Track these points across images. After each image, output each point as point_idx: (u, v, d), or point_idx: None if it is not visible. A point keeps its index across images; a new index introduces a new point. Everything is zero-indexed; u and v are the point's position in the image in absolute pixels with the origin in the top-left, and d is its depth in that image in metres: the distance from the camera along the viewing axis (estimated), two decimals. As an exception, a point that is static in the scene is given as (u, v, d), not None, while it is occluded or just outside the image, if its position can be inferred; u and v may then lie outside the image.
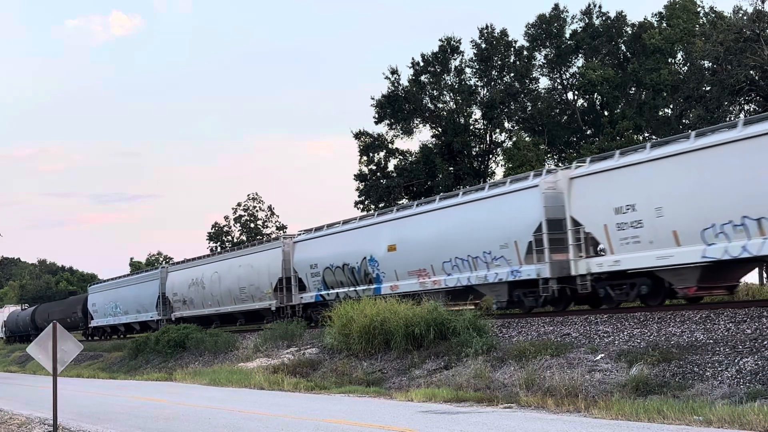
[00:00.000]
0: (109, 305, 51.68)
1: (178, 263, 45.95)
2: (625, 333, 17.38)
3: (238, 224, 72.46)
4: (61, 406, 15.12)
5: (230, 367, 27.08)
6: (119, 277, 54.45)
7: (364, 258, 28.07)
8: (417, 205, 27.38)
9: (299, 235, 33.46)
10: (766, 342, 14.45)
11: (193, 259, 44.15)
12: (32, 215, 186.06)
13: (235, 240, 71.33)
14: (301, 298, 32.18)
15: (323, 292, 30.61)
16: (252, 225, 72.29)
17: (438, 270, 24.80)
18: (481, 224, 23.25)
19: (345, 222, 31.00)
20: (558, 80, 51.85)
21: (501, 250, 22.38)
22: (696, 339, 15.73)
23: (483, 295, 23.89)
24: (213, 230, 72.67)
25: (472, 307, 23.91)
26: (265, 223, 72.70)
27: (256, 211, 72.84)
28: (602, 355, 16.63)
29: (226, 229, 72.51)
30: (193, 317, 40.41)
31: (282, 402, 17.46)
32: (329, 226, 31.87)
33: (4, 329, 77.73)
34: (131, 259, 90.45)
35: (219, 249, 68.25)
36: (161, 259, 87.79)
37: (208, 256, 40.73)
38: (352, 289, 28.60)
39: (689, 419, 11.45)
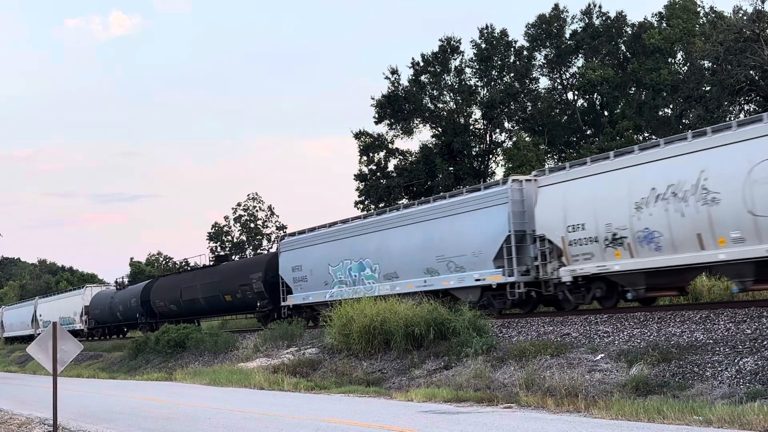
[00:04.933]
0: (337, 267, 29.23)
1: (570, 166, 21.42)
2: (625, 333, 17.38)
3: (238, 224, 72.49)
4: (61, 406, 15.11)
5: (230, 367, 27.08)
6: (356, 218, 30.33)
7: None
8: None
9: None
10: (766, 342, 14.45)
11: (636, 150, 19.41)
12: (32, 215, 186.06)
13: (235, 240, 71.37)
14: None
15: None
16: (252, 225, 72.31)
17: None
18: None
19: None
20: (558, 80, 51.87)
21: None
22: (696, 339, 15.73)
23: None
24: (213, 230, 72.69)
25: None
26: (265, 223, 72.77)
27: (256, 211, 72.86)
28: (602, 355, 16.63)
29: (226, 229, 72.54)
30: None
31: (282, 402, 17.46)
32: None
33: (85, 317, 54.38)
34: (131, 259, 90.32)
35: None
36: (161, 258, 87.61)
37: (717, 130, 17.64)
38: None
39: (689, 419, 11.45)
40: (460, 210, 24.10)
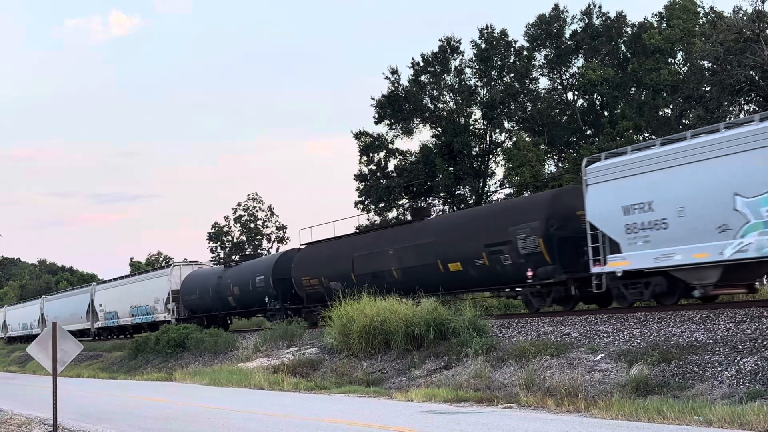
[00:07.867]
0: (762, 198, 15.88)
1: None
2: (625, 333, 17.38)
3: (238, 224, 72.52)
4: (61, 406, 15.11)
5: (230, 367, 27.08)
6: None
7: None
8: None
9: None
10: (766, 342, 14.46)
11: None
12: (32, 215, 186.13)
13: (235, 240, 71.32)
14: None
15: None
16: (252, 225, 72.34)
17: None
18: None
19: None
20: (558, 80, 51.85)
21: None
22: (696, 339, 15.73)
23: None
24: (213, 230, 72.73)
25: None
26: (265, 223, 72.79)
27: (256, 211, 72.92)
28: (602, 355, 16.63)
29: (226, 229, 72.57)
30: None
31: (282, 402, 17.46)
32: None
33: (172, 304, 41.77)
34: (131, 259, 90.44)
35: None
36: (161, 259, 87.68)
37: None
38: None
39: (689, 419, 11.45)
40: None
